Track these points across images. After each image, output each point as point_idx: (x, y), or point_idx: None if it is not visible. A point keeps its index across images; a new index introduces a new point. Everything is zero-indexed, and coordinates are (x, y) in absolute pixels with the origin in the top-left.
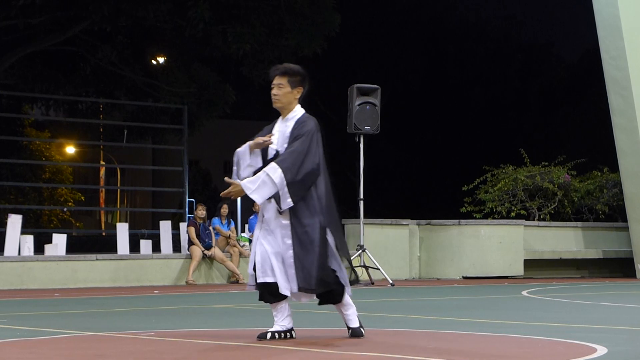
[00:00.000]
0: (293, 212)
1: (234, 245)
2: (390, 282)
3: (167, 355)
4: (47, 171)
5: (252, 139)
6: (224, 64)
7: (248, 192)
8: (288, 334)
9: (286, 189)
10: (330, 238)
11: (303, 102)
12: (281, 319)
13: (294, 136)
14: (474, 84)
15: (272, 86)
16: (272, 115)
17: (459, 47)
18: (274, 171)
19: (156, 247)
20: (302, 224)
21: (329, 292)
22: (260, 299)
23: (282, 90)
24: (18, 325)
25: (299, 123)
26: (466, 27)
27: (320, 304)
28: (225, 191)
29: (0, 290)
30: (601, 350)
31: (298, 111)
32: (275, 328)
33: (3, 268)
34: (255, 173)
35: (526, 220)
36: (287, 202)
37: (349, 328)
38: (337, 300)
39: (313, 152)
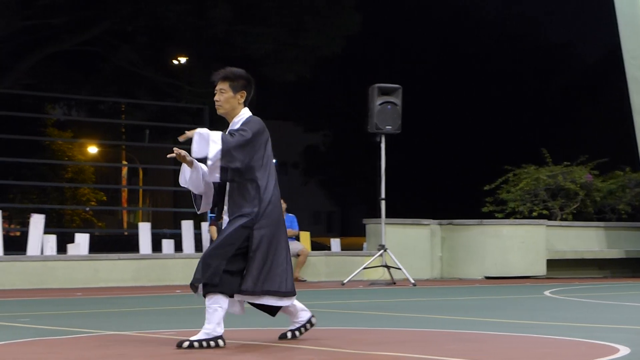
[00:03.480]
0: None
1: None
2: (412, 282)
3: (189, 354)
4: (69, 171)
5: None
6: (244, 64)
7: (193, 141)
8: (308, 325)
9: (218, 163)
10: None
11: (324, 101)
12: (295, 318)
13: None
14: (495, 83)
15: (215, 92)
16: (292, 115)
17: (479, 47)
18: (215, 146)
19: (178, 247)
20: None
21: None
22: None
23: (224, 95)
24: (40, 325)
25: (244, 123)
26: (486, 26)
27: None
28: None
29: (22, 289)
30: (624, 350)
31: (244, 114)
32: (293, 326)
33: (25, 267)
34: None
35: (548, 220)
36: (215, 176)
37: None
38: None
39: (255, 146)
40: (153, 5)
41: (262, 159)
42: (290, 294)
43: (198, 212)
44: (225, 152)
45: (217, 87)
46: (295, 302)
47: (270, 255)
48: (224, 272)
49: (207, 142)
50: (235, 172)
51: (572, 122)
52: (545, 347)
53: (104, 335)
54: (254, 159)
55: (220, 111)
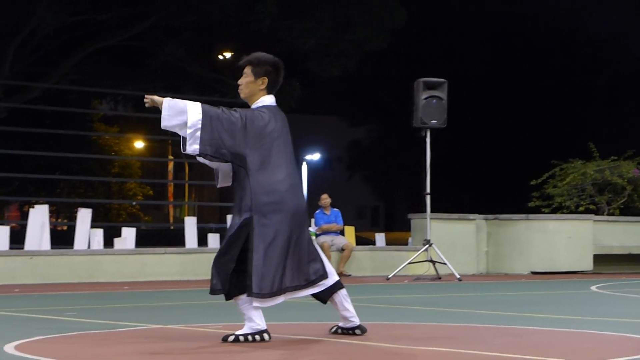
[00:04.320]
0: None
1: None
2: (458, 277)
3: (235, 347)
4: (116, 166)
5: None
6: (290, 59)
7: (163, 108)
8: (350, 331)
9: (199, 134)
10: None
11: (369, 96)
12: (342, 319)
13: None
14: (542, 77)
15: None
16: (337, 110)
17: (526, 40)
18: (194, 113)
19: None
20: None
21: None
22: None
23: (245, 79)
24: (87, 319)
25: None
26: (534, 18)
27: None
28: (149, 97)
29: (69, 283)
30: None
31: (263, 101)
32: (340, 323)
33: (73, 261)
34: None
35: (595, 215)
36: (194, 147)
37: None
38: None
39: (245, 133)
40: (199, 1)
41: (261, 150)
42: (296, 288)
43: (217, 187)
44: (207, 120)
45: (243, 71)
46: (340, 304)
47: (271, 253)
48: (235, 271)
49: (183, 110)
50: (218, 148)
51: (619, 116)
52: (592, 342)
53: (150, 329)
54: (248, 148)
55: (241, 95)
